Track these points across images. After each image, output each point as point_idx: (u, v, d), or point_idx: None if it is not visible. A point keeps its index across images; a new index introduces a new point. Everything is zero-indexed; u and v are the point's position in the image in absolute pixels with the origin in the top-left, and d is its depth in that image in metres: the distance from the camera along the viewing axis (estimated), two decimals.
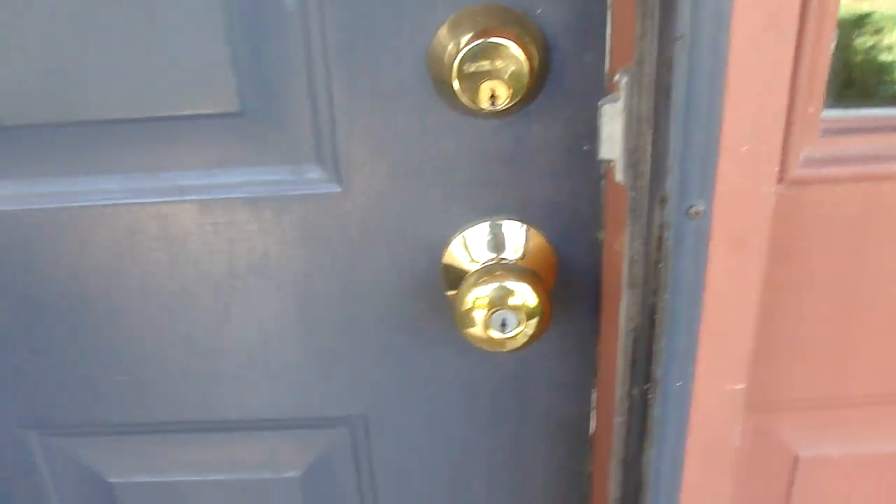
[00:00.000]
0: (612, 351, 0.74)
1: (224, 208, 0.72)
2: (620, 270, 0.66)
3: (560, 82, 0.67)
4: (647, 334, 0.62)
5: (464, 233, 0.74)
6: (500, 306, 0.69)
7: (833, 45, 0.58)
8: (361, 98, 0.68)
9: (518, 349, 0.71)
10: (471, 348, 0.75)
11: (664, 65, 0.53)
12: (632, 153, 0.58)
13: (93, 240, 0.73)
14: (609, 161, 0.60)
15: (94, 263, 0.74)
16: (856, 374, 0.74)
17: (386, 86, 0.68)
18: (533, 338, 0.71)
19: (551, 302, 0.70)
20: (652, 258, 0.59)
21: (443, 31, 0.65)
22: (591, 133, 0.69)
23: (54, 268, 0.75)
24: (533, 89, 0.66)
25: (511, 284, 0.69)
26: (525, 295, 0.69)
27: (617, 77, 0.58)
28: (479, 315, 0.69)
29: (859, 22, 0.62)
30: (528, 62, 0.63)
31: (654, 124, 0.56)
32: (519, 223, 0.73)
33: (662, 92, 0.54)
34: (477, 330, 0.69)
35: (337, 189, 0.72)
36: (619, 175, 0.60)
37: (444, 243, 0.74)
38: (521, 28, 0.65)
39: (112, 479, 0.89)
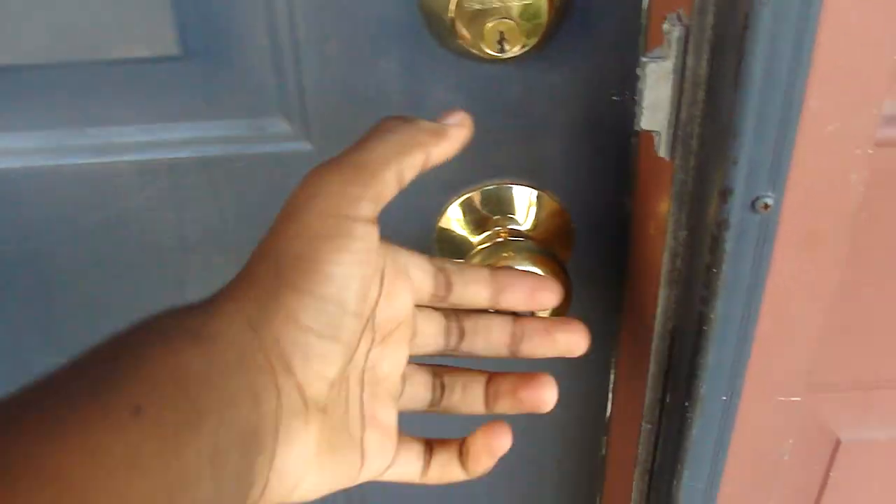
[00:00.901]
0: (636, 332, 0.63)
1: (170, 170, 0.59)
2: (653, 256, 0.54)
3: (585, 20, 0.54)
4: (690, 343, 0.51)
5: (463, 199, 0.61)
6: None
7: None
8: (334, 34, 0.54)
9: None
10: None
11: (736, 17, 0.40)
12: (683, 126, 0.46)
13: (6, 210, 0.60)
14: (652, 132, 0.47)
15: (9, 237, 0.61)
16: None
17: (365, 19, 0.54)
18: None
19: (571, 286, 0.58)
20: (702, 258, 0.47)
21: None
22: (622, 81, 0.56)
23: None
24: (551, 29, 0.52)
25: (523, 268, 0.56)
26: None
27: (666, 27, 0.44)
28: None
29: None
30: None
31: (714, 92, 0.43)
32: (530, 188, 0.61)
33: (730, 52, 0.41)
34: None
35: (307, 147, 0.59)
36: (664, 150, 0.47)
37: (439, 211, 0.61)
38: None
39: None
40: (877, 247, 0.54)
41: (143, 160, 0.58)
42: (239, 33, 0.54)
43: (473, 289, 0.49)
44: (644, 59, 0.45)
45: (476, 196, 0.60)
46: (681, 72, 0.44)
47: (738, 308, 0.48)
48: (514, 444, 0.51)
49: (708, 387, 0.51)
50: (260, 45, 0.55)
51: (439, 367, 0.51)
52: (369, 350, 0.45)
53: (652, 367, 0.54)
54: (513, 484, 0.79)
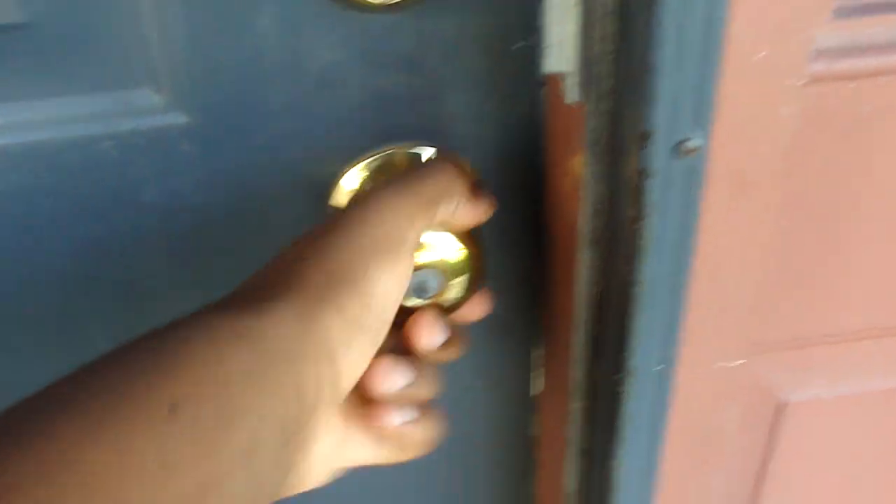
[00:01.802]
0: (559, 301, 0.58)
1: (22, 155, 0.52)
2: (571, 215, 0.48)
3: None
4: (617, 308, 0.45)
5: (357, 167, 0.55)
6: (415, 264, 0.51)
7: None
8: None
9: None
10: None
11: None
12: (594, 65, 0.40)
13: None
14: (560, 74, 0.42)
15: None
16: (849, 306, 0.59)
17: None
18: (462, 300, 0.53)
19: (483, 250, 0.52)
20: (624, 213, 0.42)
21: None
22: (525, 25, 0.50)
23: None
24: None
25: (429, 236, 0.51)
26: (446, 247, 0.51)
27: None
28: None
29: None
30: None
31: (626, 22, 0.38)
32: (430, 149, 0.55)
33: None
34: None
35: (182, 118, 0.52)
36: (573, 93, 0.42)
37: (331, 181, 0.55)
38: None
39: None
40: (811, 190, 0.50)
41: None
42: None
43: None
44: None
45: (373, 163, 0.54)
46: (587, 1, 0.39)
47: (668, 266, 0.43)
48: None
49: (640, 357, 0.46)
50: (117, 6, 0.48)
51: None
52: None
53: (578, 339, 0.49)
54: (441, 469, 0.74)
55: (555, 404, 0.65)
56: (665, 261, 0.43)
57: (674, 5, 0.35)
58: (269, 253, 0.57)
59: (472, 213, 0.49)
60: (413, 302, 0.52)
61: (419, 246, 0.50)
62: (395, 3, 0.46)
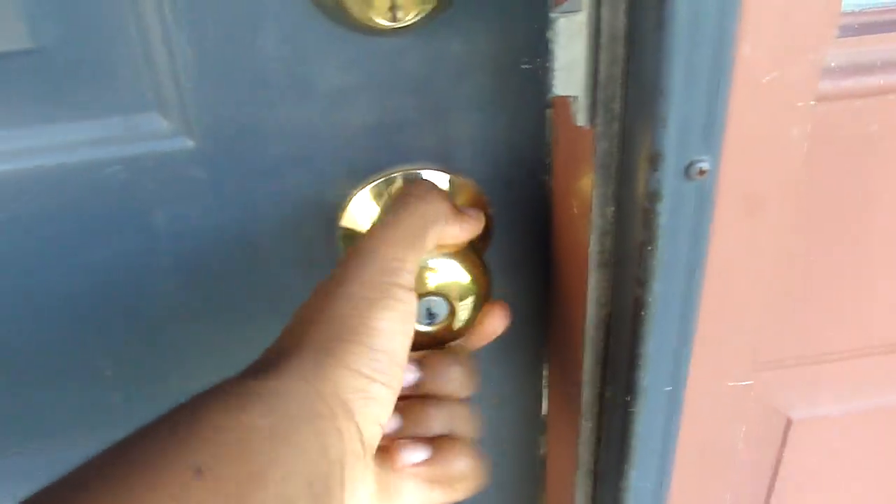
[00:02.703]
0: (568, 322, 0.58)
1: (30, 179, 0.52)
2: (580, 237, 0.48)
3: None
4: (626, 329, 0.45)
5: (366, 189, 0.55)
6: (421, 292, 0.51)
7: None
8: (208, 15, 0.48)
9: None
10: None
11: None
12: (603, 88, 0.40)
13: None
14: (568, 97, 0.42)
15: None
16: (857, 324, 0.59)
17: None
18: (471, 321, 0.53)
19: (489, 273, 0.53)
20: (634, 236, 0.42)
21: None
22: (533, 46, 0.50)
23: None
24: None
25: (433, 262, 0.51)
26: (450, 271, 0.52)
27: None
28: None
29: None
30: None
31: (635, 46, 0.38)
32: (439, 172, 0.55)
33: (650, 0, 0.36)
34: None
35: (188, 143, 0.52)
36: (581, 117, 0.42)
37: (340, 203, 0.55)
38: None
39: None
40: (819, 210, 0.50)
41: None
42: (99, 20, 0.47)
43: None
44: (554, 15, 0.40)
45: (381, 185, 0.54)
46: (596, 25, 0.39)
47: (678, 288, 0.43)
48: None
49: (650, 378, 0.46)
50: (125, 32, 0.48)
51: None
52: None
53: (587, 360, 0.49)
54: None
55: (563, 424, 0.65)
56: (675, 283, 0.43)
57: (683, 29, 0.35)
58: (277, 276, 0.57)
59: (461, 230, 0.49)
60: (424, 329, 0.52)
61: (421, 276, 0.50)
62: (402, 26, 0.46)
